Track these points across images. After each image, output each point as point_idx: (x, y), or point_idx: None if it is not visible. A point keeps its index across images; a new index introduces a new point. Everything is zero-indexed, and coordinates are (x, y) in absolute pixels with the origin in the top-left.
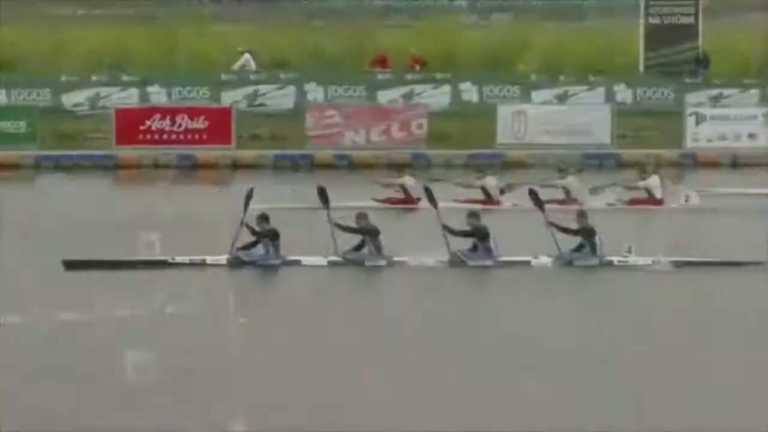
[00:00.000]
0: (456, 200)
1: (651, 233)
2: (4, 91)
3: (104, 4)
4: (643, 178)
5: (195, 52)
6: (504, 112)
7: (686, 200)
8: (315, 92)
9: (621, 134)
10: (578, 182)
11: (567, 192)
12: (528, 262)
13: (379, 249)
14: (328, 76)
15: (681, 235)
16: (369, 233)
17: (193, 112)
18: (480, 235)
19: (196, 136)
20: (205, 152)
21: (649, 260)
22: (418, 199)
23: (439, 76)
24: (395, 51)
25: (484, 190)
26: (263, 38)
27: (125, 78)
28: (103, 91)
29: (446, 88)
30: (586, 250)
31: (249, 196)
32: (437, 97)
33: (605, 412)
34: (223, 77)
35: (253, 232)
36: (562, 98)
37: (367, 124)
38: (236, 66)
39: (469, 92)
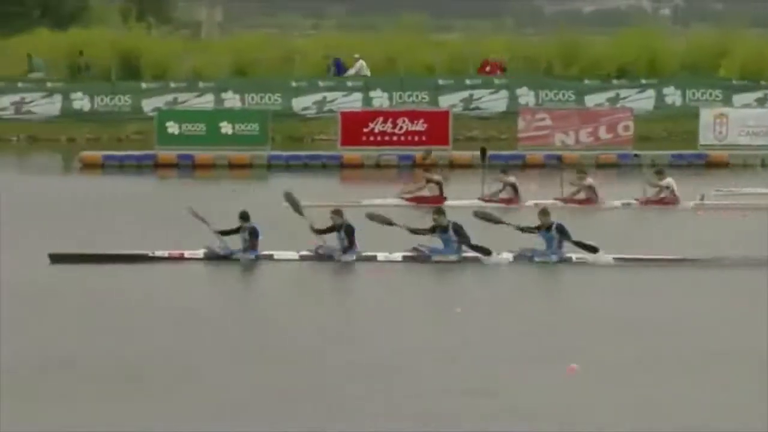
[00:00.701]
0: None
1: (663, 232)
2: (238, 96)
3: (331, 14)
4: (661, 179)
5: (414, 59)
6: (706, 114)
7: (701, 199)
8: (526, 96)
9: None
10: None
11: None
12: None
13: (352, 244)
14: (539, 81)
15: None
16: (345, 229)
17: (413, 116)
18: (441, 231)
19: (416, 138)
20: None
21: (610, 258)
22: (445, 198)
23: (644, 81)
24: (600, 58)
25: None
26: (477, 45)
27: (350, 84)
28: (330, 95)
29: (651, 93)
30: (550, 247)
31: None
32: (642, 100)
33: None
34: (441, 82)
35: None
36: (762, 101)
37: (576, 127)
38: (352, 71)
39: (673, 96)
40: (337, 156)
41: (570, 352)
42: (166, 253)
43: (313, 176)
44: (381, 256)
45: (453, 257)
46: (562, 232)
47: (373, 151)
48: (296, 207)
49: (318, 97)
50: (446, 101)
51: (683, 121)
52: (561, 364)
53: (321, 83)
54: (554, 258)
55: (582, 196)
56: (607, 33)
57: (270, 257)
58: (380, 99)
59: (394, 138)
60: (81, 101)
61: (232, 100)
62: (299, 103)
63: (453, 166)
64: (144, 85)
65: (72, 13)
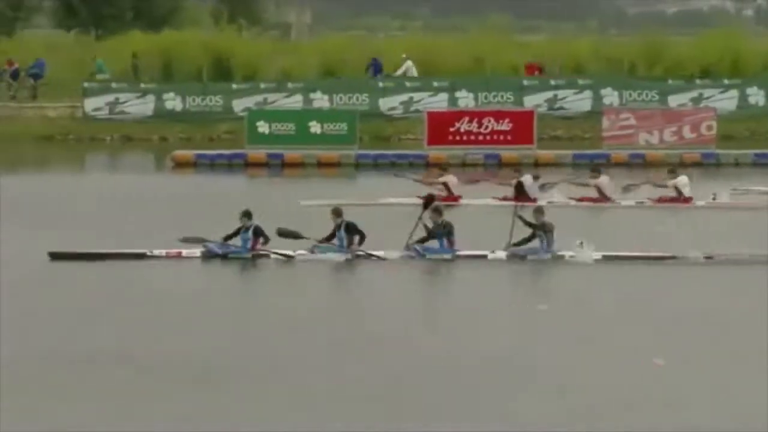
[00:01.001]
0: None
1: (680, 229)
2: (326, 96)
3: (418, 16)
4: (673, 177)
5: (500, 60)
6: None
7: (714, 198)
8: (610, 96)
9: None
10: (609, 181)
11: (599, 191)
12: (485, 256)
13: (351, 243)
14: (623, 82)
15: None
16: (344, 228)
17: (498, 116)
18: (445, 230)
19: (501, 137)
20: (509, 152)
21: (596, 255)
22: (460, 197)
23: (727, 81)
24: (683, 58)
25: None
26: (562, 47)
27: (436, 84)
28: (416, 96)
29: (734, 93)
30: (542, 245)
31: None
32: (725, 100)
33: None
34: (526, 83)
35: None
36: None
37: (660, 126)
38: (399, 72)
39: (756, 96)
40: (424, 155)
41: (658, 346)
42: (163, 252)
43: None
44: (378, 254)
45: (447, 256)
46: (551, 231)
47: (459, 150)
48: (294, 236)
49: (404, 97)
50: (531, 101)
51: (766, 120)
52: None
53: (408, 84)
54: (547, 256)
55: (595, 194)
56: (691, 34)
57: (267, 256)
58: (466, 99)
59: (480, 137)
60: (173, 101)
61: (320, 100)
62: (386, 103)
63: (537, 164)
64: (235, 86)
65: (164, 15)
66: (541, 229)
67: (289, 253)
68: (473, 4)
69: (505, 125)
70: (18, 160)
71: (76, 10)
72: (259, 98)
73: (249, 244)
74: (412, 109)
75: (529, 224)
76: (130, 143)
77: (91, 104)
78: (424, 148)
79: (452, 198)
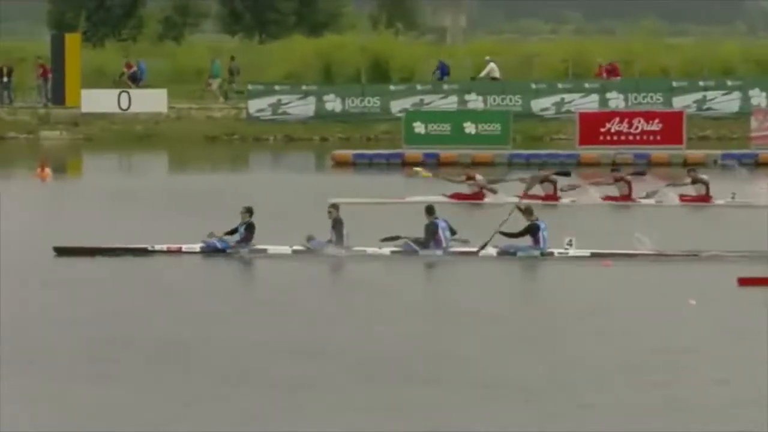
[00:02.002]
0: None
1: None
2: (481, 98)
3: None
4: (693, 177)
5: (650, 62)
6: None
7: (733, 197)
8: (758, 97)
9: None
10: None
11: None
12: (476, 253)
13: (340, 239)
14: None
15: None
16: (335, 224)
17: (648, 116)
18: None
19: (651, 137)
20: (659, 152)
21: (587, 252)
22: (484, 195)
23: None
24: None
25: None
26: (711, 49)
27: (587, 85)
28: (567, 97)
29: None
30: (536, 242)
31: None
32: None
33: None
34: (675, 84)
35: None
36: None
37: None
38: (483, 74)
39: None
40: (575, 154)
41: None
42: (164, 247)
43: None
44: (370, 250)
45: (438, 252)
46: (539, 230)
47: (610, 150)
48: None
49: (556, 98)
50: (680, 102)
51: None
52: None
53: (560, 85)
54: (536, 252)
55: (617, 193)
56: None
57: (264, 251)
58: (616, 100)
59: (630, 137)
60: (333, 103)
61: (475, 101)
62: (538, 105)
63: (686, 164)
64: (392, 88)
65: (325, 20)
66: (529, 231)
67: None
68: (624, 9)
69: (655, 125)
70: (186, 159)
71: (241, 15)
72: (415, 99)
73: (243, 239)
74: (564, 110)
75: (513, 235)
76: (292, 143)
77: (254, 106)
78: (575, 148)
79: (478, 196)
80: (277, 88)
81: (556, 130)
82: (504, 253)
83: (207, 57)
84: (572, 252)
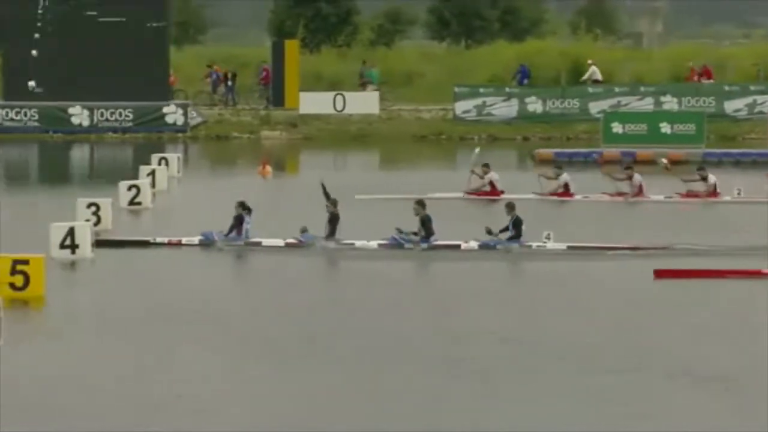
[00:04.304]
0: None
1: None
2: (675, 99)
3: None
4: (701, 175)
5: None
6: None
7: (738, 194)
8: None
9: None
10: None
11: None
12: (458, 246)
13: (333, 233)
14: None
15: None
16: (329, 218)
17: None
18: (424, 222)
19: None
20: None
21: (563, 245)
22: (502, 192)
23: None
24: None
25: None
26: None
27: None
28: (760, 98)
29: None
30: (512, 236)
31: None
32: None
33: None
34: None
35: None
36: None
37: None
38: (585, 77)
39: None
40: (767, 153)
41: None
42: (165, 240)
43: (742, 172)
44: (359, 243)
45: (423, 245)
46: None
47: None
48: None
49: (749, 100)
50: None
51: None
52: None
53: (752, 87)
54: (515, 245)
55: (627, 190)
56: None
57: (258, 244)
58: None
59: None
60: (535, 104)
61: (670, 103)
62: (731, 106)
63: None
64: (590, 90)
65: (528, 26)
66: (513, 226)
67: (280, 242)
68: None
69: None
70: (396, 157)
71: (449, 22)
72: (613, 101)
73: (234, 233)
74: (756, 110)
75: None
76: (496, 142)
77: (461, 107)
78: (767, 147)
79: (495, 193)
80: (481, 90)
81: (748, 130)
82: (485, 246)
83: (417, 62)
84: (550, 245)
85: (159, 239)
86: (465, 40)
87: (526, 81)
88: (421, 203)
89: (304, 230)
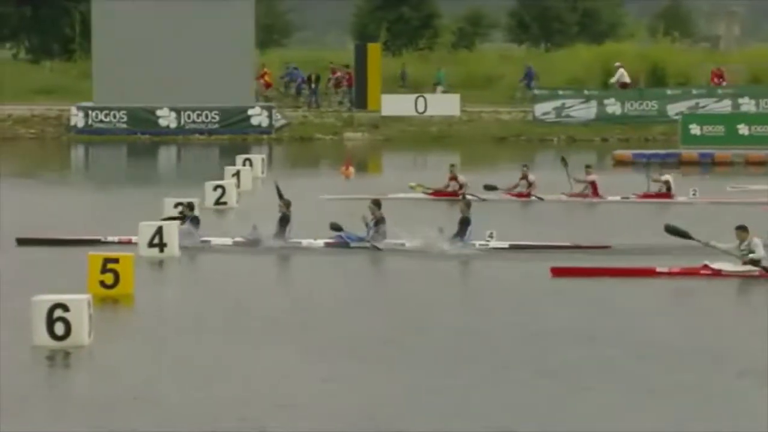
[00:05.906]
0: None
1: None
2: (753, 101)
3: None
4: (662, 174)
5: None
6: None
7: (693, 194)
8: None
9: None
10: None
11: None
12: (403, 245)
13: (283, 233)
14: None
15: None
16: (280, 218)
17: None
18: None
19: None
20: None
21: (506, 243)
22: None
23: None
24: None
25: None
26: None
27: None
28: None
29: None
30: (461, 236)
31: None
32: None
33: None
34: None
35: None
36: None
37: None
38: (613, 80)
39: None
40: None
41: None
42: (116, 239)
43: None
44: (305, 242)
45: (368, 245)
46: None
47: None
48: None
49: None
50: None
51: None
52: None
53: None
54: (460, 245)
55: (585, 190)
56: None
57: (208, 242)
58: None
59: None
60: (613, 106)
61: (747, 104)
62: None
63: None
64: (669, 92)
65: (606, 29)
66: (461, 223)
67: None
68: None
69: None
70: (477, 158)
71: (529, 26)
72: (691, 103)
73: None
74: None
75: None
76: (575, 144)
77: (540, 109)
78: None
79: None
80: (561, 92)
81: None
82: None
83: (497, 65)
84: (492, 244)
85: (110, 238)
86: (545, 42)
87: (533, 84)
88: (376, 203)
89: (254, 228)
